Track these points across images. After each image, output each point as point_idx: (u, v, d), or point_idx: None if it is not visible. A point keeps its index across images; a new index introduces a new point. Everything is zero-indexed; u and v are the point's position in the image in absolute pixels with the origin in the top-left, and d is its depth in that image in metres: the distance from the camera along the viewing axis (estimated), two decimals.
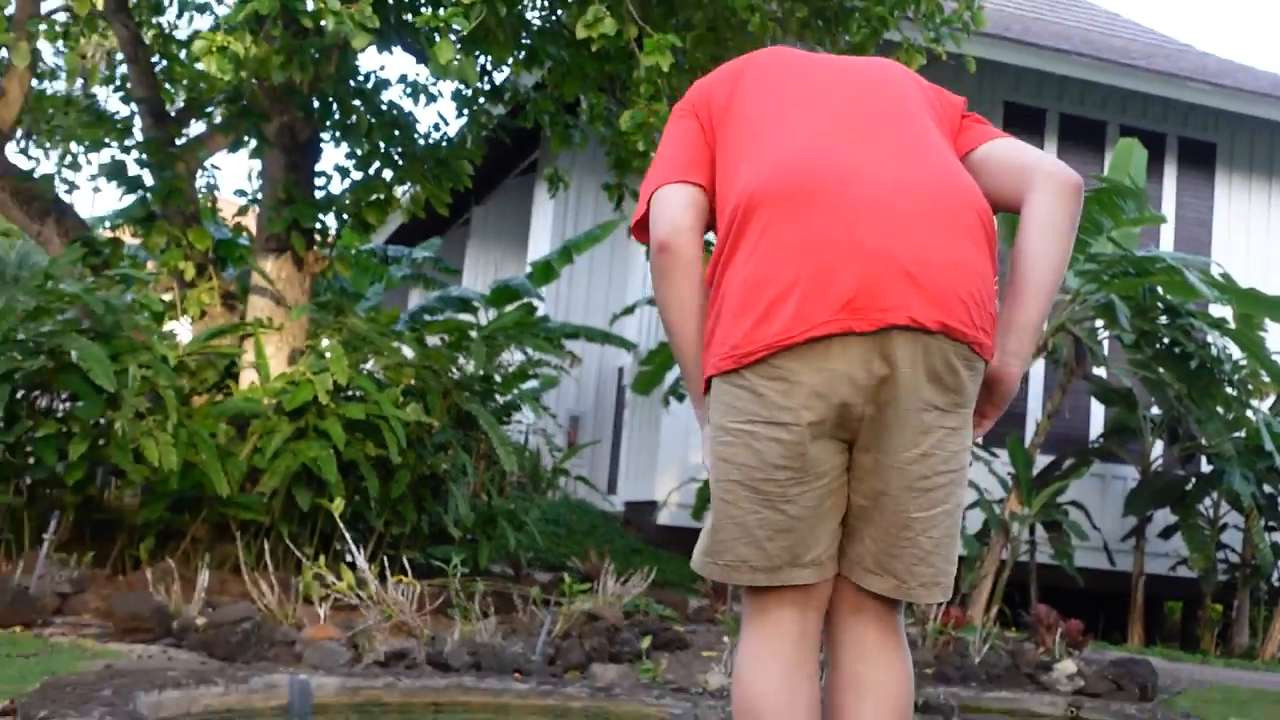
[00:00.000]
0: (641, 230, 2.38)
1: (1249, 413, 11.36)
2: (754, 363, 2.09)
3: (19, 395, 7.16)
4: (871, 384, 2.07)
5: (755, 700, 2.19)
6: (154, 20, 9.81)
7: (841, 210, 2.09)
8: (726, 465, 2.17)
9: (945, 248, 2.11)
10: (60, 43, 9.71)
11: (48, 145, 10.22)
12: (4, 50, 8.23)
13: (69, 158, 10.17)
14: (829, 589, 2.25)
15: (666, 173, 2.33)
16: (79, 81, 10.40)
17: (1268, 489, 11.86)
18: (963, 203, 2.18)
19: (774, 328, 2.06)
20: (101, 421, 6.96)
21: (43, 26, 8.66)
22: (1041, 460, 11.78)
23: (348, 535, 7.00)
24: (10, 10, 8.45)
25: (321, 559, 6.91)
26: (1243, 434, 11.24)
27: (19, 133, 9.41)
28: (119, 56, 9.64)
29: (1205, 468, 11.96)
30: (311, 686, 4.65)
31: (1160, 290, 10.62)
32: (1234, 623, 11.97)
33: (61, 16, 9.10)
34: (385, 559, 7.14)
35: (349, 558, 6.78)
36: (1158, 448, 12.18)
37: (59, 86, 10.14)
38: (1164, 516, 12.13)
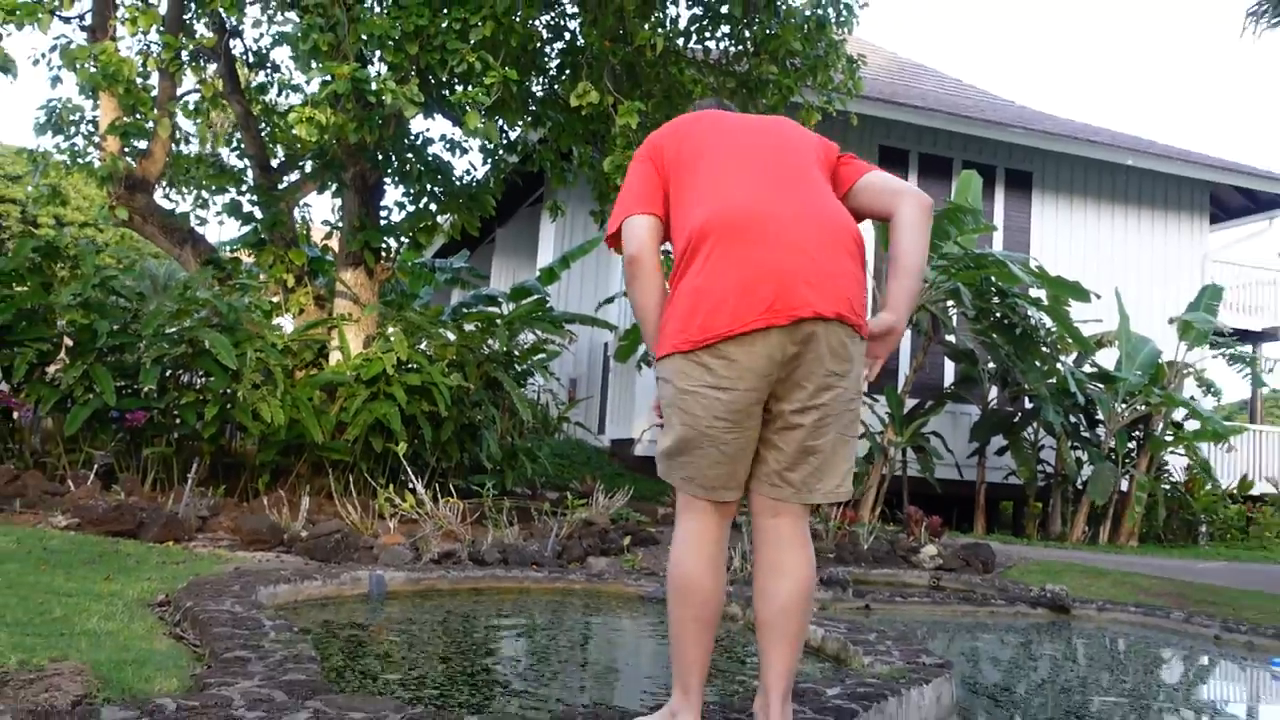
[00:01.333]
0: (613, 240, 2.44)
1: (1059, 365, 11.47)
2: (705, 347, 2.18)
3: (167, 374, 7.12)
4: (787, 359, 2.17)
5: (689, 577, 2.25)
6: (260, 98, 9.75)
7: (762, 242, 2.19)
8: (685, 414, 2.24)
9: (833, 264, 2.22)
10: (192, 117, 9.66)
11: (184, 191, 10.14)
12: (151, 123, 8.15)
13: (200, 200, 10.11)
14: (737, 503, 2.33)
15: (633, 205, 2.40)
16: (207, 144, 10.32)
17: (1072, 419, 11.98)
18: (844, 232, 2.29)
19: (719, 324, 2.16)
20: (228, 391, 6.93)
21: (178, 105, 8.59)
22: (910, 402, 11.85)
23: (409, 469, 6.99)
24: (154, 94, 8.38)
25: (391, 487, 6.91)
26: (1054, 381, 11.33)
27: (163, 183, 9.33)
28: (235, 125, 9.56)
29: (1028, 405, 12.05)
30: (385, 579, 4.65)
31: (993, 279, 10.69)
32: (1050, 516, 12.08)
33: (193, 97, 9.02)
34: (437, 486, 7.15)
35: (411, 485, 6.76)
36: (993, 392, 12.27)
37: (192, 148, 10.05)
38: (998, 441, 12.22)
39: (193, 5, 8.36)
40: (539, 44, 8.80)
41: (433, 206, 8.99)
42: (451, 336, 8.57)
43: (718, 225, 2.23)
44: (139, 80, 7.86)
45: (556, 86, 9.22)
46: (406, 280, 10.84)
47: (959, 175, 12.12)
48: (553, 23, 9.14)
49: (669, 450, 2.30)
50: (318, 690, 2.47)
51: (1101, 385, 11.93)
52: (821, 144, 2.53)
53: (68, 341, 6.99)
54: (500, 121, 8.89)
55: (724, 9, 8.65)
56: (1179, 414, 12.50)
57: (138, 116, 8.06)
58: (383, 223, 8.77)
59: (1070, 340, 11.30)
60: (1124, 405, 11.99)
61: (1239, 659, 4.84)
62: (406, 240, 9.01)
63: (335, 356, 7.94)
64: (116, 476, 6.61)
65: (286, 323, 8.69)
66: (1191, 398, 12.33)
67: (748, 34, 8.86)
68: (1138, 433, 12.30)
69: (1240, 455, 15.59)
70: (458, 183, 9.13)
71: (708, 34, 9.08)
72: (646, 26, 8.08)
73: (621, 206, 2.42)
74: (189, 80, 9.21)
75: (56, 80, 8.46)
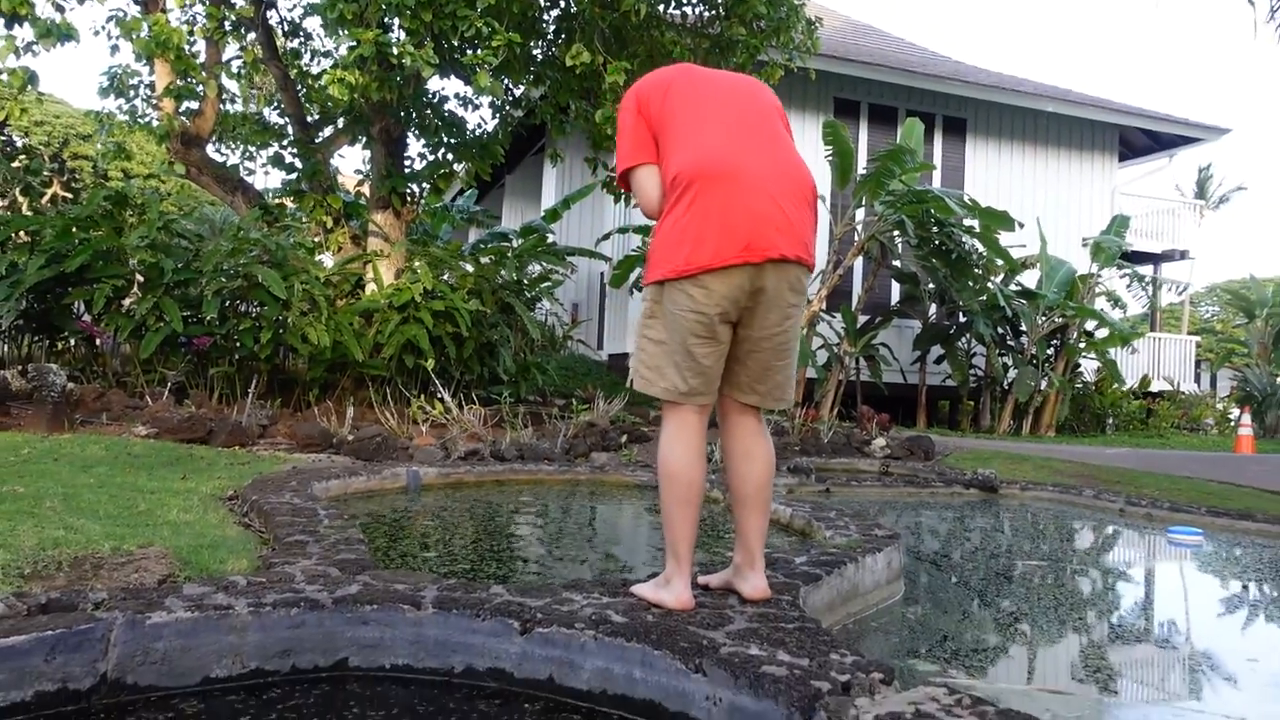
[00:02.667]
0: (623, 181, 2.40)
1: (989, 285, 11.45)
2: (687, 278, 2.18)
3: (226, 304, 7.06)
4: (754, 290, 2.20)
5: (678, 468, 2.26)
6: (296, 63, 9.52)
7: (740, 189, 2.18)
8: (670, 332, 2.25)
9: (794, 211, 2.22)
10: (236, 79, 9.44)
11: (233, 145, 9.96)
12: (200, 86, 7.96)
13: (247, 153, 9.93)
14: (711, 405, 2.34)
15: (638, 153, 2.34)
16: (250, 104, 10.10)
17: (1000, 330, 12.01)
18: (804, 183, 2.28)
19: (701, 258, 2.16)
20: (280, 318, 6.89)
21: (224, 69, 8.39)
22: (862, 318, 11.86)
23: (438, 382, 6.99)
24: (202, 59, 8.16)
25: (422, 397, 6.92)
26: (985, 298, 11.32)
27: (214, 138, 9.16)
28: (275, 87, 9.35)
29: (962, 319, 12.06)
30: (420, 474, 4.67)
31: (932, 211, 10.59)
32: (980, 412, 12.17)
33: (236, 63, 8.80)
34: (461, 395, 7.16)
35: (439, 395, 6.76)
36: (933, 309, 12.26)
37: (237, 107, 9.83)
38: (937, 350, 12.26)
39: None
40: (538, 11, 8.56)
41: (449, 156, 8.85)
42: (470, 268, 8.50)
43: (701, 172, 2.20)
44: (187, 48, 7.65)
45: (554, 49, 9.00)
46: (429, 221, 10.73)
47: (903, 122, 11.95)
48: None
49: (650, 365, 2.31)
50: (366, 567, 2.49)
51: (1025, 301, 11.93)
52: (780, 105, 2.47)
53: (139, 278, 6.92)
54: (506, 80, 8.70)
55: None
56: (1091, 325, 12.54)
57: (189, 80, 7.88)
58: (406, 171, 8.64)
59: (999, 263, 11.26)
60: (1044, 318, 12.01)
61: (1140, 528, 4.91)
62: (428, 186, 8.89)
63: (370, 287, 7.87)
64: (187, 393, 6.60)
65: (327, 259, 8.60)
66: (1101, 310, 12.34)
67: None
68: (1056, 341, 12.35)
69: (1142, 358, 15.69)
70: (470, 135, 8.98)
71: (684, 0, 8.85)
72: None
73: (627, 154, 2.36)
74: (232, 48, 8.99)
75: (115, 49, 8.24)
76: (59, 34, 6.50)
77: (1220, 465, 8.00)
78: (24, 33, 6.71)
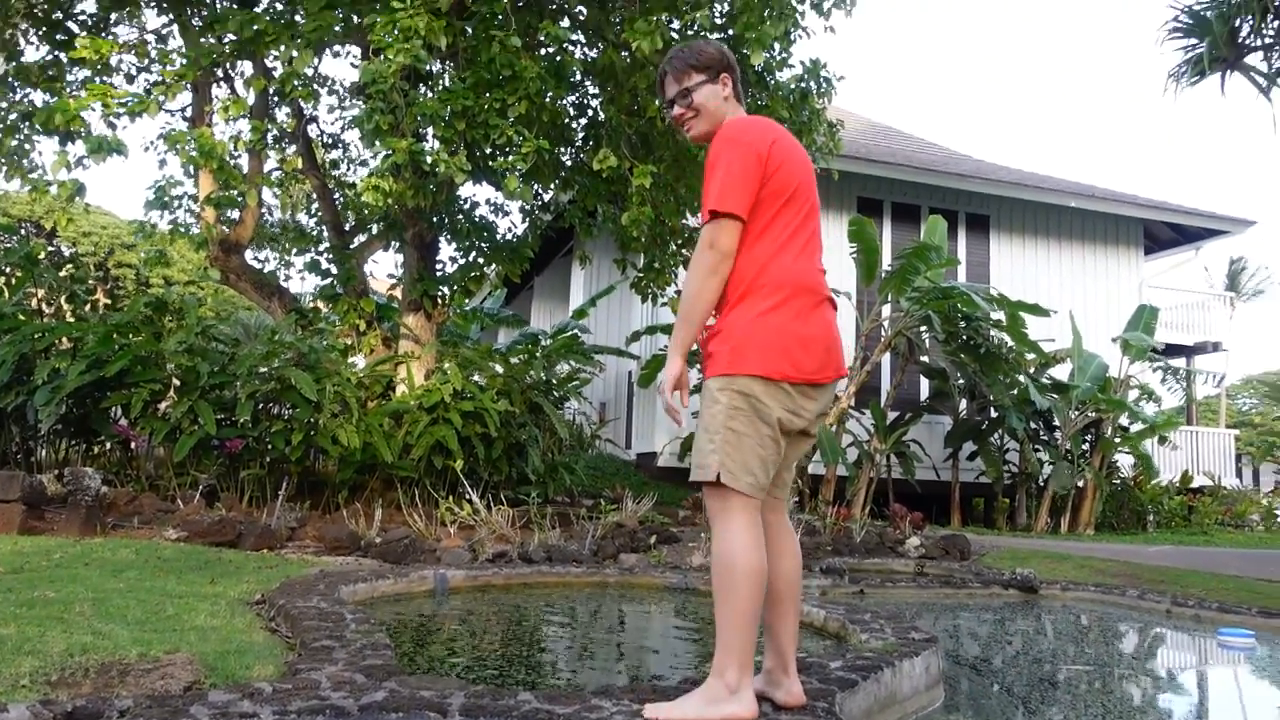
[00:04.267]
0: (718, 213, 2.23)
1: (1020, 377, 11.36)
2: (793, 384, 2.24)
3: (260, 406, 7.14)
4: (828, 406, 2.36)
5: (755, 564, 2.16)
6: (333, 172, 9.84)
7: (826, 311, 2.33)
8: (757, 425, 2.23)
9: (837, 332, 2.38)
10: (273, 188, 9.74)
11: (272, 252, 10.24)
12: (241, 196, 8.23)
13: (284, 260, 10.19)
14: None
15: (740, 201, 2.23)
16: (289, 212, 10.42)
17: (1033, 425, 11.86)
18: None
19: (808, 369, 2.25)
20: (311, 420, 6.95)
21: (265, 180, 8.68)
22: (891, 415, 11.76)
23: (466, 483, 6.98)
24: (244, 170, 8.47)
25: (450, 498, 6.90)
26: (1016, 392, 11.22)
27: (252, 245, 9.43)
28: (313, 195, 9.65)
29: (993, 414, 11.92)
30: (448, 577, 4.63)
31: (959, 306, 10.61)
32: (1016, 509, 11.93)
33: (277, 173, 9.11)
34: (490, 496, 7.12)
35: (467, 497, 6.74)
36: (963, 404, 12.15)
37: (276, 215, 10.15)
38: (969, 446, 12.10)
39: (276, 96, 8.46)
40: (566, 119, 8.86)
41: (480, 259, 9.03)
42: (499, 369, 8.57)
43: (804, 286, 2.28)
44: (230, 160, 7.95)
45: (582, 155, 9.27)
46: (460, 322, 10.88)
47: (926, 220, 12.09)
48: (577, 101, 9.20)
49: (738, 458, 2.22)
50: (393, 673, 2.45)
51: (1057, 395, 11.81)
52: None
53: (175, 381, 7.04)
54: (535, 185, 8.94)
55: None
56: (1126, 419, 12.36)
57: (230, 190, 8.16)
58: (438, 274, 8.81)
59: (1030, 357, 11.18)
60: (1077, 412, 11.86)
61: (1188, 629, 4.74)
62: (458, 289, 9.04)
63: (401, 388, 7.95)
64: (218, 495, 6.63)
65: (359, 361, 8.72)
66: (1137, 402, 12.19)
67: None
68: (1090, 436, 12.16)
69: (1181, 453, 15.40)
70: (501, 239, 9.18)
71: None
72: (657, 102, 8.13)
73: (737, 200, 2.23)
74: (273, 159, 9.33)
75: (163, 163, 8.62)
76: (109, 149, 6.80)
77: (1268, 563, 7.74)
78: (75, 148, 7.03)
